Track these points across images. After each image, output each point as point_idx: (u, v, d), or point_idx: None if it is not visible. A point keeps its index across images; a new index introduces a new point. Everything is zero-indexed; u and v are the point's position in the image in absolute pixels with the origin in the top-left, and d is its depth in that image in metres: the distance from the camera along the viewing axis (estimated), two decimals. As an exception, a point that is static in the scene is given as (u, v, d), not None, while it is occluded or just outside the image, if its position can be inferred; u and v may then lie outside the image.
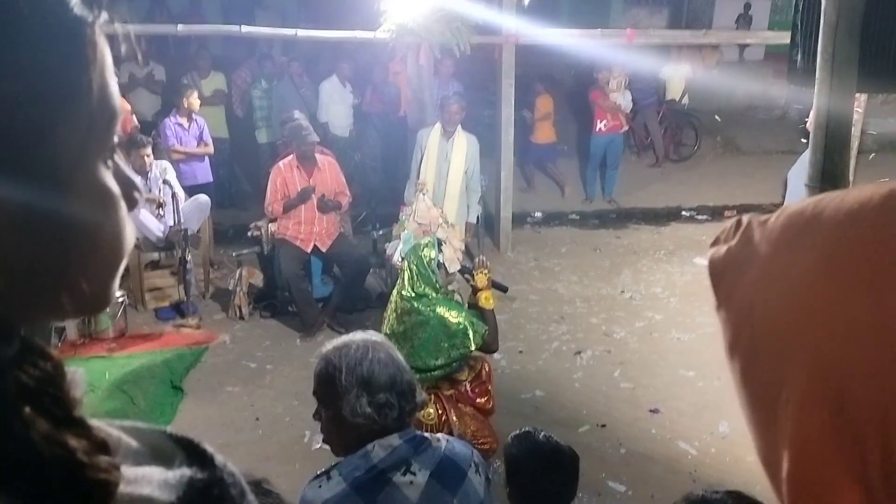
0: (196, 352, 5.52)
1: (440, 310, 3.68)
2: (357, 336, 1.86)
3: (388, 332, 3.78)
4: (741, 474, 3.85)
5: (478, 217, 6.84)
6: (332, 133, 8.80)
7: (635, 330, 5.94)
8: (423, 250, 3.83)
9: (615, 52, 8.82)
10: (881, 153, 10.49)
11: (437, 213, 5.69)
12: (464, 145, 6.24)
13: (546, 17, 8.03)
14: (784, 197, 8.89)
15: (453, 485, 1.78)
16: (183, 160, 7.35)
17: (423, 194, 5.77)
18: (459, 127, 6.25)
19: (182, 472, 0.48)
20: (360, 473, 1.70)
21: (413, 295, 3.71)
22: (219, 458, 0.52)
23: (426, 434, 1.85)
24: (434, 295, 3.73)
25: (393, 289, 4.01)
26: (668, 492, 3.92)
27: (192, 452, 0.51)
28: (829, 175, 2.24)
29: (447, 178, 6.21)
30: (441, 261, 3.89)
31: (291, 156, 5.88)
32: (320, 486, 1.71)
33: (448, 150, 6.19)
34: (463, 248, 6.17)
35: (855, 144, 7.68)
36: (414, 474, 1.73)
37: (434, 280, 3.76)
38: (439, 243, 4.02)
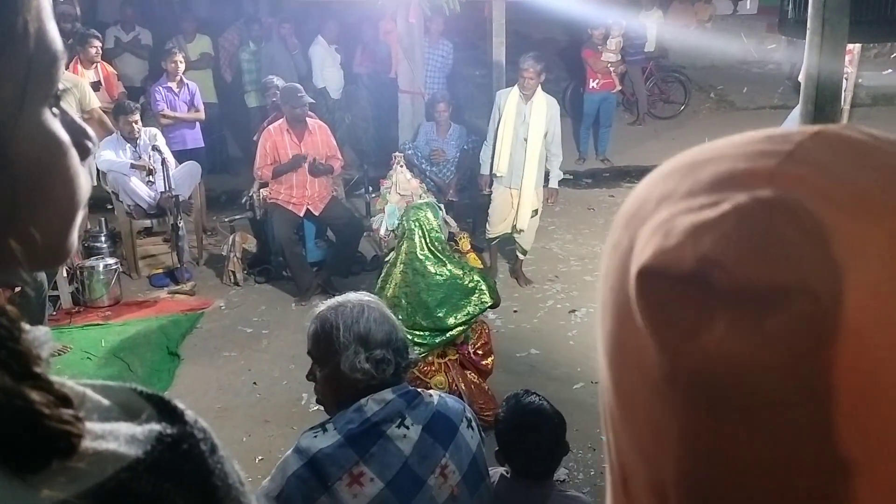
0: (191, 318, 5.53)
1: (451, 268, 3.79)
2: (351, 296, 1.88)
3: (391, 295, 3.80)
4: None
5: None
6: (331, 98, 8.72)
7: (629, 288, 5.95)
8: (425, 210, 3.89)
9: (605, 7, 8.69)
10: (874, 107, 10.44)
11: (416, 183, 5.69)
12: (543, 108, 5.74)
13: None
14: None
15: (445, 438, 1.80)
16: (172, 125, 7.27)
17: (401, 166, 5.72)
18: (539, 88, 5.75)
19: (150, 427, 0.48)
20: (353, 426, 1.72)
21: (427, 255, 3.77)
22: (189, 414, 0.51)
23: (419, 390, 1.87)
24: (443, 253, 3.80)
25: (390, 254, 4.03)
26: (662, 445, 3.97)
27: (162, 409, 0.50)
28: (820, 127, 2.22)
29: (527, 143, 5.75)
30: (444, 217, 3.96)
31: (281, 119, 5.81)
32: (315, 437, 1.73)
33: (526, 113, 5.73)
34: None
35: (848, 98, 7.64)
36: (408, 427, 1.75)
37: (442, 238, 3.84)
38: (440, 205, 4.11)
